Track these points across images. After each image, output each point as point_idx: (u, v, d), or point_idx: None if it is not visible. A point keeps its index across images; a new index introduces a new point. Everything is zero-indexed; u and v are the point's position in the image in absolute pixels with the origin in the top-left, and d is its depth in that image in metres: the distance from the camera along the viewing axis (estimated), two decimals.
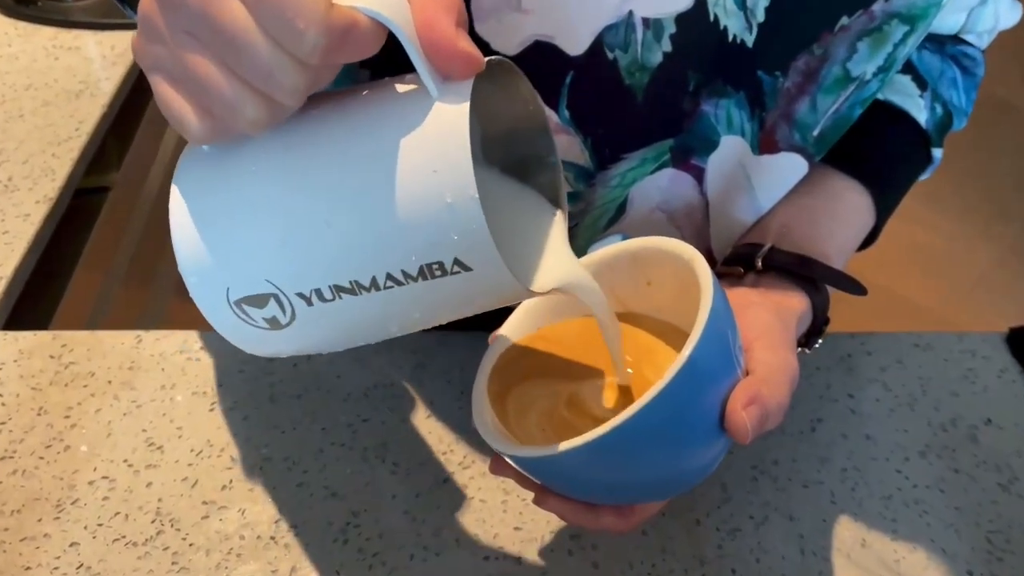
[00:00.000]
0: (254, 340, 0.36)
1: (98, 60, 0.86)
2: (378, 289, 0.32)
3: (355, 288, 0.32)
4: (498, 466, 0.43)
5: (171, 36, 0.29)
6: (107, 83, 0.84)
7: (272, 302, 0.33)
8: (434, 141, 0.30)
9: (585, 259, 0.44)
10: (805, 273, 0.49)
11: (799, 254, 0.50)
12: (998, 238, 1.73)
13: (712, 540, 0.49)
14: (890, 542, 0.49)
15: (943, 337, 0.60)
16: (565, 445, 0.35)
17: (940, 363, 0.59)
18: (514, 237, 0.37)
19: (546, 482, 0.40)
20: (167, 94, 0.30)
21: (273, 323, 0.34)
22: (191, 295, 0.34)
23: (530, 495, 0.50)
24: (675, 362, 0.34)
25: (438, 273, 0.32)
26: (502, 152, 0.39)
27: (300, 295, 0.33)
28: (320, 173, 0.31)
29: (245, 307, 0.34)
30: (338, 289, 0.32)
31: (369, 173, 0.31)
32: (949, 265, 1.69)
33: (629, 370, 0.42)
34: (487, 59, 0.32)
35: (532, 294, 0.35)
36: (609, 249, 0.44)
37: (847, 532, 0.49)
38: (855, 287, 0.50)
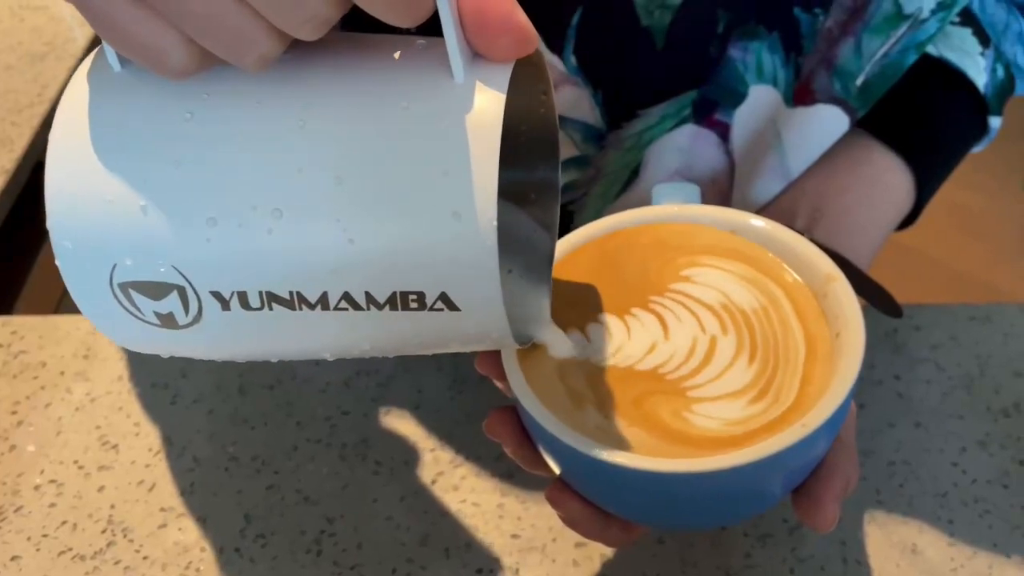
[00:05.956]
0: (132, 334, 0.28)
1: (67, 19, 0.81)
2: (326, 308, 0.26)
3: (295, 301, 0.26)
4: (499, 423, 0.34)
5: None
6: (75, 44, 0.78)
7: (174, 296, 0.26)
8: (453, 133, 0.24)
9: (676, 209, 0.37)
10: None
11: (838, 253, 0.44)
12: None
13: (740, 548, 0.44)
14: (946, 547, 0.44)
15: (1003, 308, 0.54)
16: (653, 464, 0.29)
17: (1000, 338, 0.53)
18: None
19: (580, 483, 0.34)
20: (127, 15, 0.23)
21: (167, 320, 0.27)
22: (57, 262, 0.27)
23: (531, 498, 0.45)
24: (823, 406, 0.30)
25: (413, 306, 0.25)
26: None
27: (216, 295, 0.26)
28: (280, 138, 0.24)
29: (133, 294, 0.27)
30: (271, 298, 0.26)
31: (349, 156, 0.24)
32: (991, 226, 1.62)
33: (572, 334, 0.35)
34: None
35: (511, 346, 0.29)
36: (727, 213, 0.36)
37: (896, 536, 0.44)
38: (890, 306, 0.45)
